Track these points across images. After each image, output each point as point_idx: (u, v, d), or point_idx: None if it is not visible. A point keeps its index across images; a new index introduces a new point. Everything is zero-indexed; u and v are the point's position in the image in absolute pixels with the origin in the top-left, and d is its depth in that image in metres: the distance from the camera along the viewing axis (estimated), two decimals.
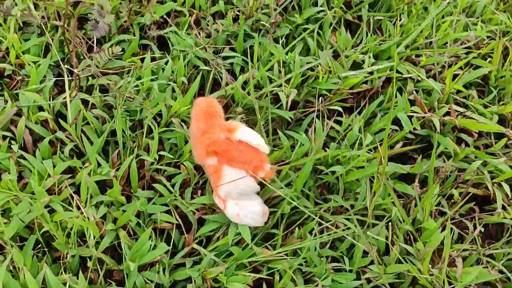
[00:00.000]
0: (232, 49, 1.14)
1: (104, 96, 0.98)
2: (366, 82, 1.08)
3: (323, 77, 1.05)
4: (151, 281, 0.85)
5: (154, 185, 0.93)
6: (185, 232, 0.92)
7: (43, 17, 0.95)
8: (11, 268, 0.80)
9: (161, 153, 0.95)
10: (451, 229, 0.97)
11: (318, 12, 1.16)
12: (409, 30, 1.14)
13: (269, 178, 0.84)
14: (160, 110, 0.99)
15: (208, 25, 1.16)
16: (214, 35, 1.14)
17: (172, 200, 0.91)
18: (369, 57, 1.09)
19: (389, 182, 0.98)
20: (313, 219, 0.93)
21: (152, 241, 0.87)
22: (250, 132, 0.85)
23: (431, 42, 1.16)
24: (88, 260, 0.84)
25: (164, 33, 1.13)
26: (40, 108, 0.97)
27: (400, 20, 1.18)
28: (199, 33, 1.14)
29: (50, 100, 0.98)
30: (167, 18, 1.15)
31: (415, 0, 1.17)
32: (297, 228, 0.91)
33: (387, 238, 0.93)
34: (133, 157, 0.91)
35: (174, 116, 1.00)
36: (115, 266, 0.86)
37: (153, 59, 1.09)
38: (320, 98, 1.05)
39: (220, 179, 0.84)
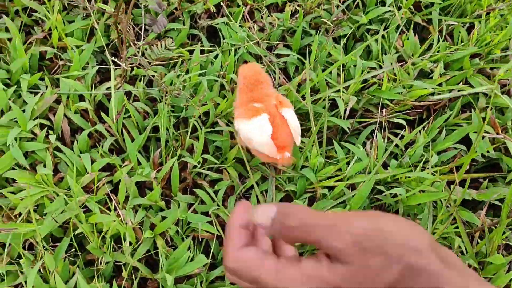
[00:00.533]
0: (287, 46, 1.05)
1: (149, 89, 0.91)
2: (432, 94, 0.98)
3: (386, 85, 0.95)
4: None
5: (195, 190, 0.86)
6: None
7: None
8: (41, 268, 0.74)
9: (205, 156, 0.88)
10: None
11: (384, 12, 1.05)
12: (485, 40, 1.02)
13: (282, 165, 0.81)
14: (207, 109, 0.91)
15: (262, 18, 1.07)
16: (268, 29, 1.05)
17: (214, 209, 0.84)
18: (440, 66, 0.99)
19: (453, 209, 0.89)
20: None
21: (190, 251, 0.81)
22: (294, 117, 0.81)
23: (506, 55, 1.05)
24: (123, 267, 0.78)
25: (215, 23, 1.05)
26: (81, 97, 0.91)
27: (475, 27, 1.06)
28: (253, 27, 1.05)
29: (92, 89, 0.91)
30: (222, 3, 1.06)
31: (494, 5, 1.06)
32: None
33: None
34: (175, 159, 0.84)
35: (220, 116, 0.93)
36: (150, 275, 0.80)
37: (201, 51, 1.01)
38: (384, 109, 0.95)
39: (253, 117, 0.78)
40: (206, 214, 0.84)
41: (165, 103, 0.85)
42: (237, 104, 0.83)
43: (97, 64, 0.95)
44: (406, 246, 0.43)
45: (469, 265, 0.86)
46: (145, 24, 0.95)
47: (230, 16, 1.06)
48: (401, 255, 0.43)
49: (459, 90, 0.93)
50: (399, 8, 1.09)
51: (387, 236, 0.43)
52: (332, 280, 0.43)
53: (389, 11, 1.05)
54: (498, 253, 0.86)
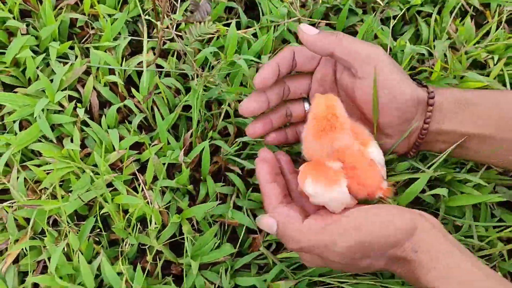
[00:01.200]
0: (330, 25, 0.98)
1: (181, 70, 0.86)
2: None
3: (437, 74, 0.88)
4: (212, 283, 0.76)
5: (228, 174, 0.82)
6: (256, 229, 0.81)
7: None
8: (64, 246, 0.72)
9: (239, 139, 0.83)
10: None
11: None
12: None
13: (387, 197, 0.67)
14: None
15: None
16: (310, 5, 0.98)
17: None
18: (493, 58, 0.91)
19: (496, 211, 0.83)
20: None
21: (217, 238, 0.77)
22: (379, 152, 0.67)
23: None
24: (147, 250, 0.76)
25: None
26: (111, 68, 0.86)
27: None
28: (294, 1, 0.98)
29: (122, 61, 0.87)
30: None
31: None
32: None
33: None
34: (206, 143, 0.79)
35: None
36: (174, 259, 0.77)
37: (238, 26, 0.95)
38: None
39: (333, 185, 0.63)
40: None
41: (199, 87, 0.80)
42: (307, 151, 0.67)
43: (129, 35, 0.90)
44: (386, 246, 0.56)
45: (510, 273, 0.81)
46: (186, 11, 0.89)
47: None
48: (383, 253, 0.57)
49: None
50: None
51: (369, 245, 0.56)
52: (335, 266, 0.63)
53: None
54: None
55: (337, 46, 0.65)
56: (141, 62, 0.85)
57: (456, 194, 0.80)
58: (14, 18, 0.86)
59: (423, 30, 0.96)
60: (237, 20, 0.96)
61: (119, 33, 0.89)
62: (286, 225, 0.61)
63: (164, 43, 0.90)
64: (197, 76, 0.79)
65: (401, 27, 1.00)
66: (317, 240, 0.58)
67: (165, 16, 0.90)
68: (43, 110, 0.78)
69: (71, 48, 0.87)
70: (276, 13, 0.95)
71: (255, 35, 0.94)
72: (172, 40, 0.91)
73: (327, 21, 0.98)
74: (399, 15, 0.96)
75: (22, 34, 0.84)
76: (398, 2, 0.97)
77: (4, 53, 0.84)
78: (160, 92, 0.85)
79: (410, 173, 0.78)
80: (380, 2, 0.93)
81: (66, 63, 0.85)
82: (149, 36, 0.92)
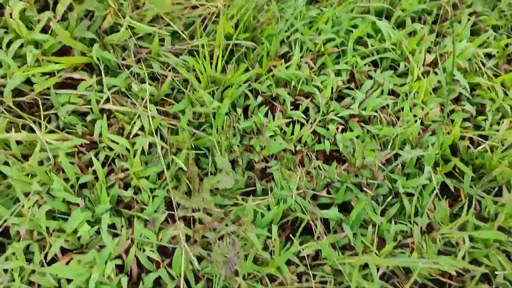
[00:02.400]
0: (330, 198, 1.18)
1: (205, 262, 1.06)
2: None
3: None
4: None
5: None
6: None
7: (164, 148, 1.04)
8: None
9: None
10: None
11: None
12: (509, 215, 1.13)
13: None
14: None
15: (311, 164, 1.20)
16: (314, 175, 1.18)
17: None
18: (464, 241, 1.10)
19: None
20: None
21: None
22: None
23: None
24: None
25: (268, 167, 1.18)
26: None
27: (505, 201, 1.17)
28: (302, 173, 1.18)
29: (158, 232, 1.07)
30: (274, 158, 1.20)
31: None
32: None
33: None
34: None
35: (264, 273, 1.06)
36: None
37: (254, 193, 1.16)
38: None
39: None
40: None
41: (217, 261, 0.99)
42: None
43: (165, 208, 1.10)
44: None
45: None
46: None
47: (281, 160, 1.20)
48: None
49: None
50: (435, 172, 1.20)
51: None
52: None
53: (428, 178, 1.16)
54: None
55: None
56: (174, 236, 1.05)
57: None
58: (74, 191, 1.06)
59: (407, 207, 1.15)
60: (253, 188, 1.17)
61: (159, 207, 1.09)
62: None
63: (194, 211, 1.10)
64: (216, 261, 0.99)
65: (391, 199, 1.20)
66: None
67: (195, 193, 1.11)
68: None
69: (118, 216, 1.07)
70: (286, 187, 1.15)
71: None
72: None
73: (328, 195, 1.17)
74: (387, 194, 1.16)
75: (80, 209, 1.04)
76: (386, 181, 1.17)
77: (66, 219, 1.04)
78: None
79: None
80: (371, 193, 1.13)
81: (116, 234, 1.04)
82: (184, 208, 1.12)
